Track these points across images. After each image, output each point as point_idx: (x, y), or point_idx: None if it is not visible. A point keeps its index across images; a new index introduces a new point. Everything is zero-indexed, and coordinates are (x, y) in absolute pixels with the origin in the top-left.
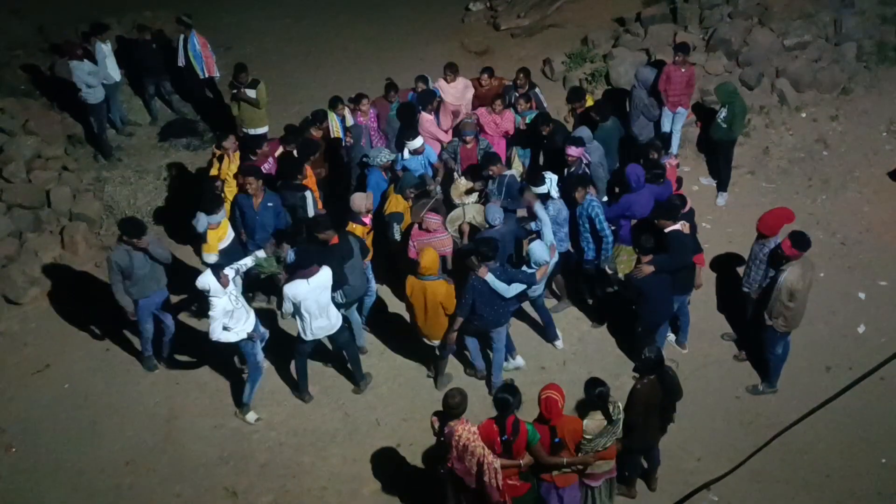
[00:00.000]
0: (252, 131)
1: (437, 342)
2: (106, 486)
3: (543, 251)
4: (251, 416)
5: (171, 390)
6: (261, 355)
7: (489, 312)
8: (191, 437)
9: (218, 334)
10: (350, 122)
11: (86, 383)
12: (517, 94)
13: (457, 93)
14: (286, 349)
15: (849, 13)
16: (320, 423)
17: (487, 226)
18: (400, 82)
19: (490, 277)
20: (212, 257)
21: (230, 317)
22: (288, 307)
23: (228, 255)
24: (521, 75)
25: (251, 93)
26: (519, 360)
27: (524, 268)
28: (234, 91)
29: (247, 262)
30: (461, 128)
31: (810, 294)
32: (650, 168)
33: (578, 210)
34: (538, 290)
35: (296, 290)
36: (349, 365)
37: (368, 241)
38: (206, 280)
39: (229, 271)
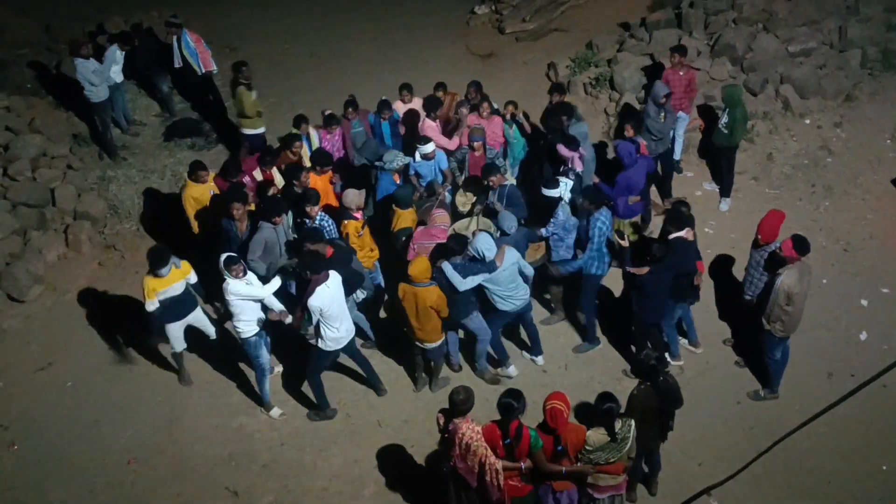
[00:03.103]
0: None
1: (430, 345)
2: (107, 483)
3: (487, 240)
4: (275, 412)
5: (174, 389)
6: (266, 360)
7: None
8: (193, 436)
9: (239, 315)
10: (315, 141)
11: (88, 381)
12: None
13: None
14: (289, 353)
15: (854, 20)
16: (322, 424)
17: (500, 233)
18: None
19: (446, 266)
20: (151, 304)
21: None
22: (315, 321)
23: (177, 304)
24: (472, 89)
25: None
26: (511, 370)
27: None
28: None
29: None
30: (470, 134)
31: (813, 300)
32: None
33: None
34: (523, 302)
35: (321, 298)
36: (364, 373)
37: (366, 236)
38: (221, 266)
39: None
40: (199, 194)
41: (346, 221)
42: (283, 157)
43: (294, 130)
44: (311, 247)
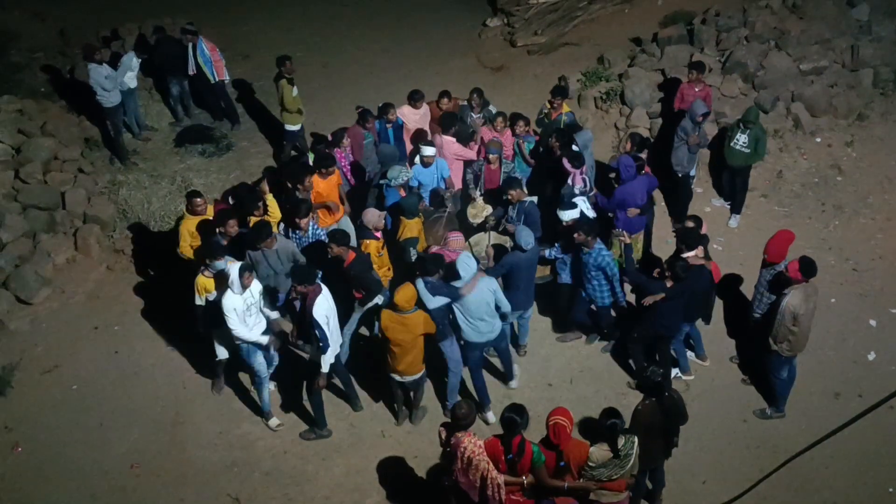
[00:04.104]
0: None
1: (409, 378)
2: (110, 488)
3: (464, 261)
4: (273, 422)
5: (178, 395)
6: (262, 367)
7: None
8: (196, 442)
9: (234, 329)
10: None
11: (94, 385)
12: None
13: (419, 118)
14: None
15: (866, 40)
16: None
17: (512, 247)
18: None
19: (418, 283)
20: (198, 299)
21: (241, 320)
22: (326, 330)
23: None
24: (475, 95)
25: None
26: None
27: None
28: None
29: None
30: (487, 146)
31: (821, 319)
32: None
33: (584, 257)
34: (491, 336)
35: (323, 307)
36: (343, 386)
37: (385, 256)
38: (232, 271)
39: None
40: (196, 227)
41: (366, 241)
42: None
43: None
44: (335, 250)
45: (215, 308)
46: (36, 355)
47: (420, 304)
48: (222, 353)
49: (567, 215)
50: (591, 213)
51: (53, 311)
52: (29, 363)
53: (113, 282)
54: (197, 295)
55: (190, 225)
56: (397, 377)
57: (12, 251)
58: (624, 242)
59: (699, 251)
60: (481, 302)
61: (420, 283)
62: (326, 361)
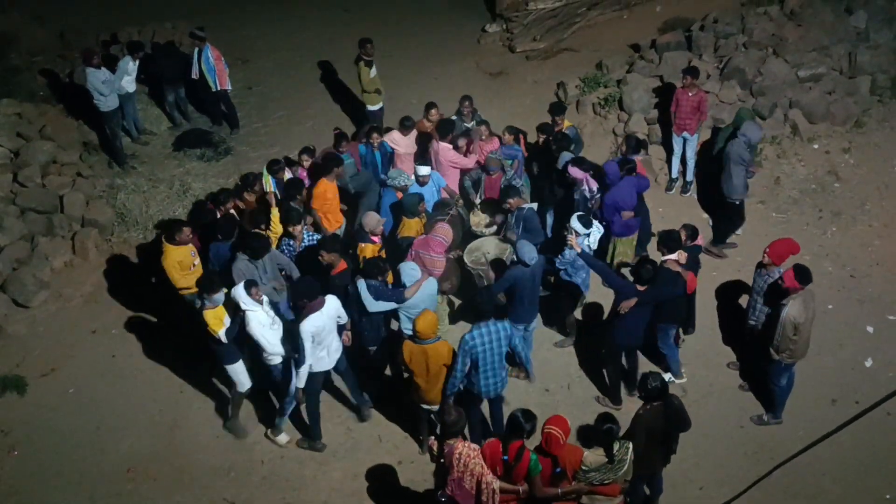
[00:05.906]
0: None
1: (437, 407)
2: (107, 492)
3: (408, 269)
4: (282, 438)
5: (176, 398)
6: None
7: (364, 322)
8: (193, 446)
9: (269, 350)
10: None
11: (91, 388)
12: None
13: (409, 144)
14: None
15: (864, 47)
16: (323, 437)
17: (515, 260)
18: (415, 100)
19: (360, 284)
20: (222, 334)
21: (269, 332)
22: (308, 346)
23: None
24: (466, 103)
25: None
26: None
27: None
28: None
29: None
30: (487, 163)
31: (818, 326)
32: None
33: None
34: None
35: (315, 323)
36: (350, 394)
37: None
38: (238, 293)
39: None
40: (183, 257)
41: (362, 245)
42: (246, 201)
43: (264, 172)
44: (326, 257)
45: (240, 339)
46: (33, 359)
47: (357, 302)
48: (246, 383)
49: (576, 225)
50: (595, 244)
51: (51, 315)
52: (26, 366)
53: (111, 285)
54: (216, 333)
55: (177, 255)
56: (426, 407)
57: (10, 254)
58: (570, 243)
59: (681, 257)
60: (425, 305)
61: (361, 284)
62: (301, 376)
